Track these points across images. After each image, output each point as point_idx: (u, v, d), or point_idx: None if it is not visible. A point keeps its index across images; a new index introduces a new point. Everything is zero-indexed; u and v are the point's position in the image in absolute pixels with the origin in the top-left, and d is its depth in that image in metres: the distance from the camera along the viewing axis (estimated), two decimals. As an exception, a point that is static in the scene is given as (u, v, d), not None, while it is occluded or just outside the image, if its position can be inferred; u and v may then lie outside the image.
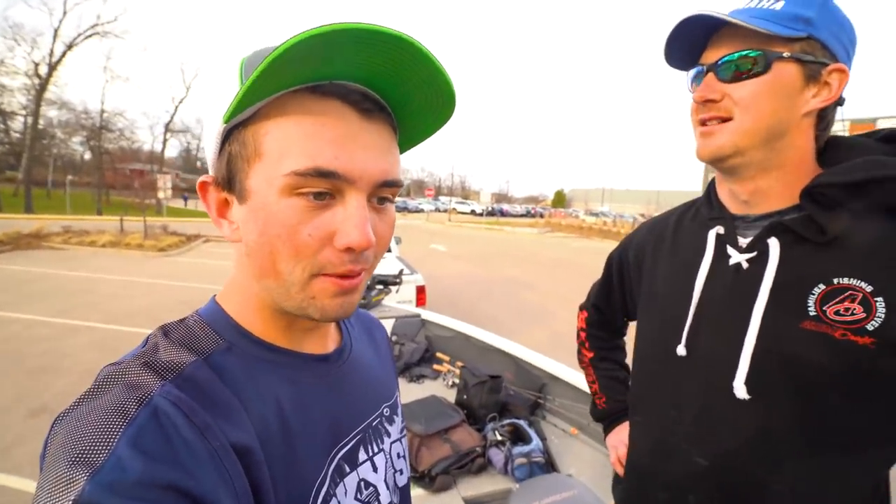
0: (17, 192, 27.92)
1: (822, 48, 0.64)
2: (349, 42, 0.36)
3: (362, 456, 0.50)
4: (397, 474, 0.56)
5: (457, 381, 2.38)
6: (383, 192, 0.43)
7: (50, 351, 4.55)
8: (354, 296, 0.43)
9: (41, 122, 27.03)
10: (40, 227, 12.70)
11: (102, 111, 29.75)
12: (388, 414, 0.57)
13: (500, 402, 2.06)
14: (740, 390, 0.66)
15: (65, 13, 26.68)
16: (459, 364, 2.48)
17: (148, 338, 0.43)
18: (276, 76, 0.36)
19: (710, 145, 0.67)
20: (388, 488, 0.53)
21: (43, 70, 25.91)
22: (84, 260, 10.11)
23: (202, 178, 0.45)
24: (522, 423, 1.92)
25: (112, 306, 6.27)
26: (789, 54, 0.63)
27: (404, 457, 0.59)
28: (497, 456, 1.76)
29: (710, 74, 0.67)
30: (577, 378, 2.04)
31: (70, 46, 26.36)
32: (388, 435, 0.56)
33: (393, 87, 0.41)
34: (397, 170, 0.44)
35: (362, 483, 0.49)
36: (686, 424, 0.73)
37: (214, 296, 0.48)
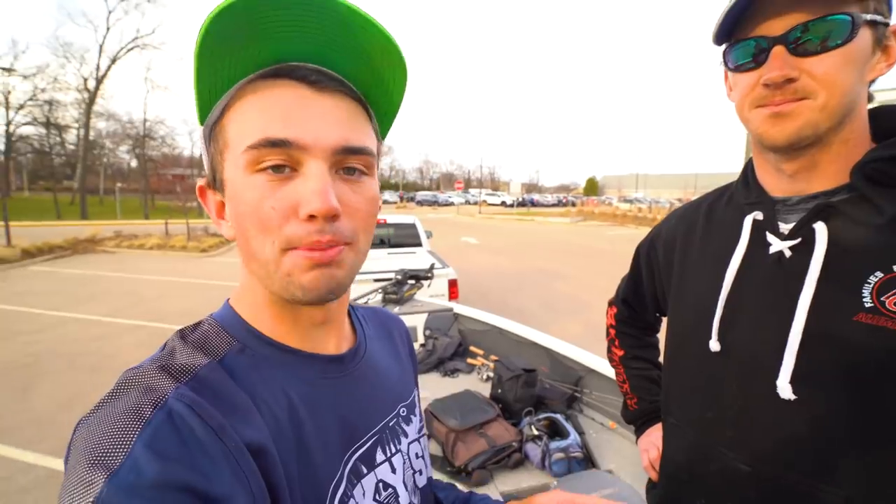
0: (73, 201, 29.88)
1: (887, 6, 0.57)
2: (270, 9, 0.36)
3: (380, 457, 0.49)
4: (416, 475, 0.56)
5: (491, 374, 2.36)
6: (349, 160, 0.41)
7: (104, 349, 4.84)
8: (334, 269, 0.41)
9: (91, 133, 28.77)
10: (95, 233, 13.55)
11: (145, 120, 31.39)
12: (404, 414, 0.56)
13: (535, 395, 2.03)
14: (785, 390, 0.59)
15: (108, 29, 28.25)
16: (493, 358, 2.45)
17: (166, 342, 0.44)
18: (212, 59, 0.38)
19: (790, 127, 0.57)
20: (406, 489, 0.52)
21: (91, 84, 27.53)
22: (134, 262, 10.71)
23: (199, 182, 0.46)
24: (559, 417, 1.88)
25: (160, 306, 6.61)
26: (870, 17, 0.54)
27: (423, 457, 0.58)
28: (534, 451, 1.73)
29: (780, 48, 0.56)
30: (616, 371, 1.97)
31: (114, 60, 27.87)
32: (406, 435, 0.55)
33: (342, 58, 0.41)
34: (362, 137, 0.42)
35: (381, 484, 0.48)
36: (724, 426, 0.68)
37: (228, 299, 0.49)
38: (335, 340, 0.51)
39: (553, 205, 50.56)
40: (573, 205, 46.59)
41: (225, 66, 0.39)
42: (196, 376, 0.38)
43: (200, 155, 0.46)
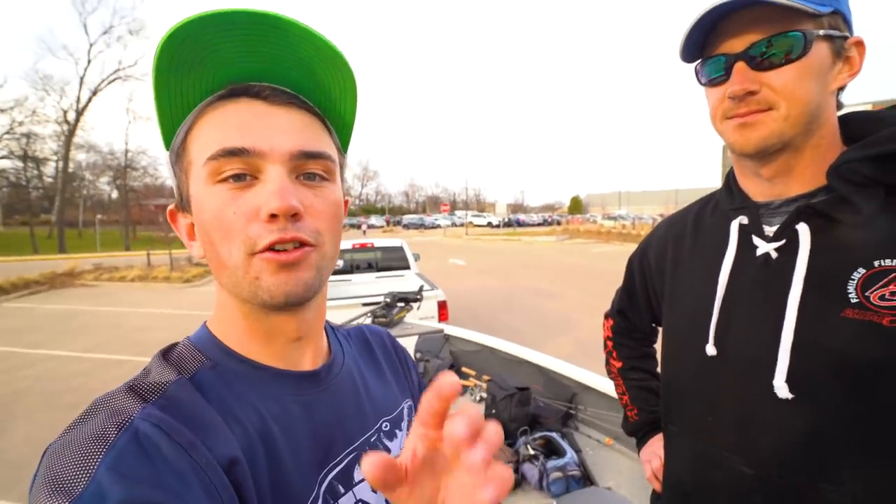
0: (51, 234, 29.26)
1: (843, 21, 0.61)
2: (216, 31, 0.39)
3: (358, 475, 0.48)
4: None
5: (484, 395, 2.34)
6: (308, 165, 0.43)
7: (85, 386, 4.66)
8: (300, 272, 0.41)
9: (71, 165, 28.45)
10: (73, 266, 13.22)
11: (127, 151, 31.18)
12: (387, 429, 0.55)
13: (529, 414, 2.02)
14: (782, 389, 0.61)
15: (89, 62, 28.24)
16: (486, 378, 2.44)
17: (147, 364, 0.44)
18: (168, 85, 0.40)
19: (755, 137, 0.62)
20: None
21: (71, 116, 27.38)
22: (115, 295, 10.44)
23: (169, 206, 0.47)
24: (555, 435, 1.86)
25: (143, 339, 6.42)
26: (824, 32, 0.59)
27: None
28: (531, 471, 1.70)
29: (741, 64, 0.61)
30: (610, 386, 1.97)
31: (95, 92, 27.82)
32: (388, 451, 0.53)
33: (294, 73, 0.43)
34: (319, 144, 0.44)
35: None
36: (725, 431, 0.68)
37: (206, 321, 0.49)
38: (311, 357, 0.50)
39: (539, 224, 51.05)
40: (558, 223, 47.19)
41: (182, 90, 0.41)
42: (164, 394, 0.39)
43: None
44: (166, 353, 0.45)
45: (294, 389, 0.46)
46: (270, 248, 0.40)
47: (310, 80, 0.44)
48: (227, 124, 0.41)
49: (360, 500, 0.47)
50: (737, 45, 0.61)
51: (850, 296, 0.57)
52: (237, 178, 0.40)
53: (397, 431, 0.56)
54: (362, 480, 0.48)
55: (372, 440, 0.52)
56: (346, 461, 0.47)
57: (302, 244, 0.41)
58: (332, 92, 0.46)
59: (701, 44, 0.65)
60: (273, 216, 0.39)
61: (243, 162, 0.40)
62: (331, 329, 0.58)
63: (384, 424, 0.54)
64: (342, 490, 0.46)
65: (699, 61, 0.67)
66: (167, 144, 0.45)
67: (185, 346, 0.45)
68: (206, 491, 0.34)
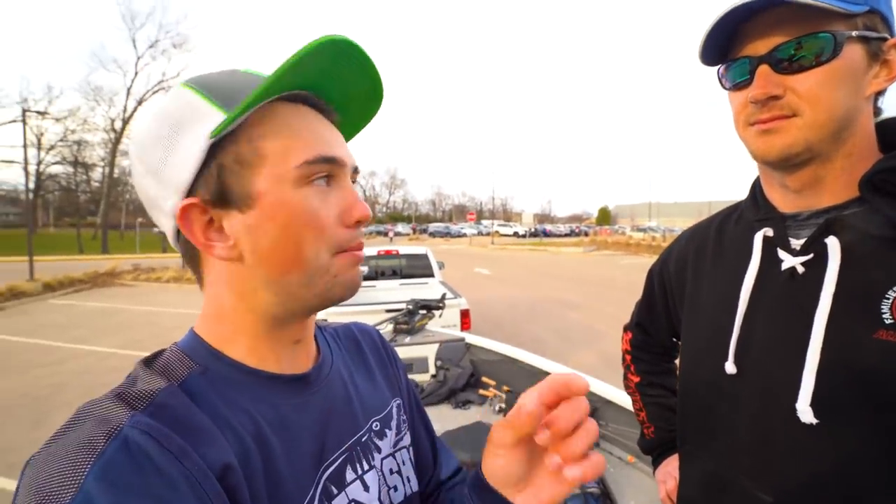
0: (95, 236, 30.85)
1: (882, 21, 0.58)
2: (329, 54, 0.41)
3: (350, 475, 0.48)
4: (391, 491, 0.53)
5: (504, 406, 2.30)
6: (353, 177, 0.49)
7: (119, 381, 4.86)
8: (362, 268, 0.48)
9: (116, 171, 29.94)
10: (114, 266, 13.92)
11: (167, 158, 32.53)
12: (377, 428, 0.54)
13: (549, 428, 1.97)
14: (806, 413, 0.57)
15: (136, 73, 29.83)
16: (506, 389, 2.41)
17: (131, 371, 0.43)
18: (274, 86, 0.41)
19: (778, 144, 0.58)
20: None
21: (118, 125, 28.90)
22: (151, 295, 10.88)
23: (182, 203, 0.41)
24: (575, 450, 1.81)
25: (176, 337, 6.59)
26: (857, 33, 0.55)
27: (399, 472, 0.56)
28: (549, 486, 1.66)
29: (765, 67, 0.57)
30: (632, 402, 1.91)
31: (140, 102, 29.30)
32: (379, 451, 0.53)
33: (335, 89, 0.47)
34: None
35: None
36: (743, 454, 0.64)
37: (192, 327, 0.48)
38: (301, 359, 0.50)
39: (566, 235, 50.43)
40: (586, 234, 46.43)
41: (271, 90, 0.41)
42: (154, 402, 0.38)
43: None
44: (150, 361, 0.44)
45: (286, 392, 0.46)
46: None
47: (345, 101, 0.49)
48: (310, 132, 0.44)
49: (353, 500, 0.47)
50: (761, 46, 0.58)
51: (885, 316, 0.53)
52: (320, 181, 0.44)
53: (387, 431, 0.56)
54: (354, 480, 0.48)
55: (363, 440, 0.51)
56: (338, 462, 0.47)
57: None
58: (357, 117, 0.52)
59: (724, 46, 0.63)
60: (358, 222, 0.45)
61: (329, 167, 0.44)
62: (318, 329, 0.58)
63: (374, 424, 0.54)
64: (335, 491, 0.46)
65: (723, 65, 0.64)
66: (218, 131, 0.40)
67: (173, 353, 0.44)
68: (198, 498, 0.33)
